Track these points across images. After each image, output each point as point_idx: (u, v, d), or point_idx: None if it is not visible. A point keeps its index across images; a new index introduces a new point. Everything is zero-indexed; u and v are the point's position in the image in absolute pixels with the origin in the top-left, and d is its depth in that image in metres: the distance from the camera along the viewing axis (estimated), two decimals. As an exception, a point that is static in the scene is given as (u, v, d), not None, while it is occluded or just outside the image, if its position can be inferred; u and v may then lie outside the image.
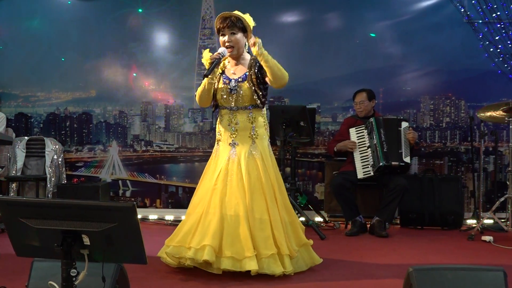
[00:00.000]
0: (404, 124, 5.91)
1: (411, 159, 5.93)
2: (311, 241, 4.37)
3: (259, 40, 4.00)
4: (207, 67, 4.10)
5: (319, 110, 7.08)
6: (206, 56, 4.13)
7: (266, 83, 4.20)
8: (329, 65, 7.07)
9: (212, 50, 4.15)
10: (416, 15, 6.97)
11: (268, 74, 4.08)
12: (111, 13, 7.24)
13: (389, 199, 5.74)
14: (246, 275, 3.94)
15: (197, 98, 4.27)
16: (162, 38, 7.31)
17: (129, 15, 7.23)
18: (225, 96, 4.20)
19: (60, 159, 6.90)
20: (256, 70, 4.18)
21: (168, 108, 7.31)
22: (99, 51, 7.25)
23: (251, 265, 3.88)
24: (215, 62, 4.06)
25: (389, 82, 7.05)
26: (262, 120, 4.26)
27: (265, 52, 4.01)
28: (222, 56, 4.12)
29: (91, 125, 7.34)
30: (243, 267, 3.91)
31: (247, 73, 4.19)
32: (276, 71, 4.05)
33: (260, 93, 4.18)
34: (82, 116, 7.35)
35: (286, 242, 4.05)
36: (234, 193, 4.04)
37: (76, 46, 7.23)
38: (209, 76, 4.08)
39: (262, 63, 4.04)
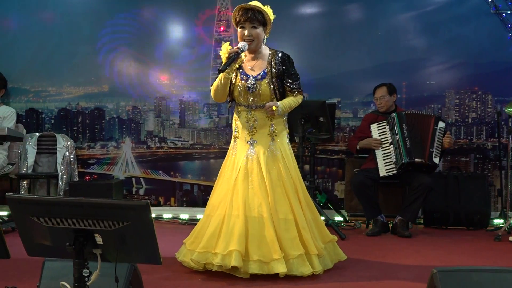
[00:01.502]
0: (441, 124, 5.85)
1: (439, 160, 5.89)
2: (335, 237, 4.41)
3: (279, 107, 4.09)
4: (224, 61, 4.07)
5: (339, 105, 7.05)
6: (225, 50, 4.09)
7: (285, 80, 4.21)
8: (350, 58, 7.03)
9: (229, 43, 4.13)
10: (441, 6, 6.92)
11: None
12: (124, 5, 7.27)
13: (413, 198, 5.71)
14: (272, 275, 3.94)
15: (212, 93, 4.25)
16: (176, 31, 7.33)
17: (142, 7, 7.26)
18: (243, 94, 4.18)
19: (72, 156, 6.96)
20: (276, 67, 4.17)
21: (183, 103, 7.33)
22: (112, 44, 7.28)
23: (280, 268, 3.88)
24: (233, 57, 4.02)
25: (413, 76, 7.00)
26: (280, 116, 4.26)
27: (284, 108, 4.15)
28: (242, 51, 4.08)
29: (103, 121, 7.38)
30: (271, 270, 3.91)
31: (266, 70, 4.16)
32: (292, 106, 4.25)
33: (279, 91, 4.18)
34: (95, 112, 7.39)
35: (313, 241, 4.06)
36: (257, 193, 4.03)
37: (88, 40, 7.27)
38: (226, 71, 4.06)
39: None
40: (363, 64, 7.05)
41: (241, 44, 4.08)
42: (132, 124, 7.35)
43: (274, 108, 4.07)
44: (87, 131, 7.37)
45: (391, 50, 6.99)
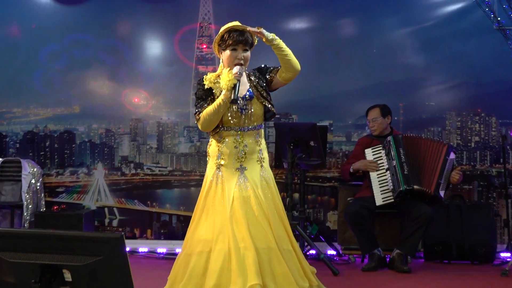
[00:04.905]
0: (452, 155, 5.86)
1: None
2: None
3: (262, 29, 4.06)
4: (224, 87, 4.03)
5: (332, 128, 7.08)
6: (228, 77, 4.05)
7: (270, 86, 4.24)
8: (343, 77, 7.09)
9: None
10: (440, 21, 7.00)
11: (284, 62, 4.12)
12: (97, 19, 7.29)
13: (412, 230, 5.70)
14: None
15: (202, 122, 4.16)
16: (154, 47, 7.35)
17: (118, 21, 7.28)
18: (234, 117, 4.17)
19: (38, 184, 6.90)
20: (254, 78, 4.21)
21: (161, 126, 7.33)
22: (83, 61, 7.29)
23: None
24: (239, 84, 4.05)
25: (410, 97, 7.06)
26: (264, 141, 4.31)
27: (282, 43, 4.08)
28: (241, 75, 4.10)
29: (73, 145, 7.35)
30: None
31: (251, 89, 4.20)
32: (292, 55, 4.13)
33: (269, 100, 4.21)
34: (64, 135, 7.36)
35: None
36: (259, 223, 4.03)
37: (58, 56, 7.26)
38: (233, 99, 4.04)
39: (277, 50, 4.08)
40: (357, 84, 7.10)
41: (237, 69, 4.07)
42: (105, 149, 7.33)
43: (259, 28, 4.05)
44: (56, 156, 7.34)
45: (387, 68, 7.05)
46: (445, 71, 7.02)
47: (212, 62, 7.01)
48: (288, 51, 4.10)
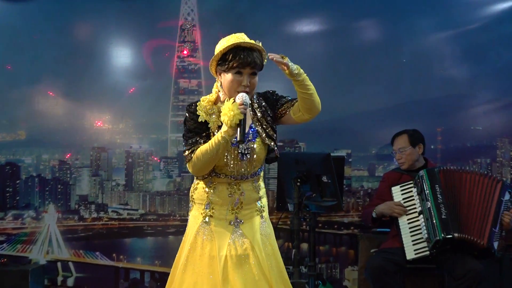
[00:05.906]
0: (507, 196, 5.81)
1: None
2: None
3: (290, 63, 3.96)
4: (226, 122, 3.95)
5: (350, 160, 7.07)
6: (232, 111, 3.93)
7: (277, 121, 4.19)
8: (363, 94, 7.09)
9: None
10: (487, 24, 7.02)
11: (305, 103, 4.02)
12: (51, 19, 7.29)
13: (457, 292, 5.66)
14: None
15: (197, 165, 4.07)
16: (123, 56, 7.34)
17: (76, 22, 7.29)
18: (232, 163, 4.12)
19: (-28, 231, 6.89)
20: (260, 109, 4.15)
21: (131, 157, 7.30)
22: (32, 74, 7.28)
23: None
24: (245, 119, 3.96)
25: (451, 119, 7.05)
26: (263, 185, 4.26)
27: (304, 74, 4.00)
28: (247, 107, 4.01)
29: (18, 181, 7.32)
30: None
31: (254, 125, 4.14)
32: (316, 94, 4.04)
33: (274, 138, 4.15)
34: (6, 168, 7.33)
35: None
36: (259, 286, 4.02)
37: (-1, 68, 7.29)
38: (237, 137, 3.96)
39: (301, 87, 3.98)
40: (382, 103, 7.10)
41: (242, 97, 3.97)
42: (59, 186, 7.30)
43: (284, 58, 3.93)
44: (-5, 196, 7.32)
45: (420, 83, 7.06)
46: (495, 87, 7.02)
47: (196, 75, 6.98)
48: (313, 88, 3.95)
